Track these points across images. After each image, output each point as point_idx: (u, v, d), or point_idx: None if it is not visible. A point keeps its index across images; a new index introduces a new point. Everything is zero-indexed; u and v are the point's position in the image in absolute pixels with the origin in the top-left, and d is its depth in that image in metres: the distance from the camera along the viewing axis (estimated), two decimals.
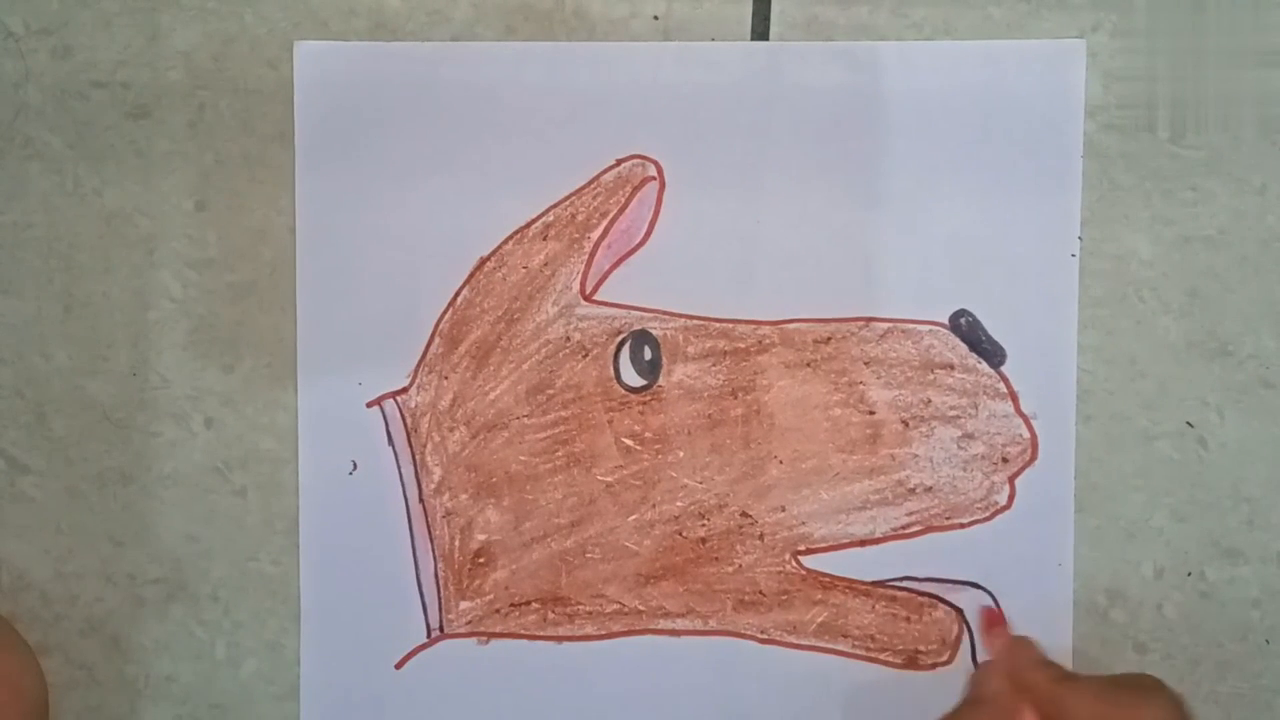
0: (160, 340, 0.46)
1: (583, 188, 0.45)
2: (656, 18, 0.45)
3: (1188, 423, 0.44)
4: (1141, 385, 0.44)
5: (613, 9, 0.45)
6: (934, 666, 0.44)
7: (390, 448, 0.45)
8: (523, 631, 0.45)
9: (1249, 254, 0.44)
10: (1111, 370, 0.44)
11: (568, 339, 0.45)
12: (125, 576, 0.46)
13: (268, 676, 0.46)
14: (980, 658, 0.44)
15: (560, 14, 0.45)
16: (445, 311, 0.45)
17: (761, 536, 0.45)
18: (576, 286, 0.45)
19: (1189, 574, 0.44)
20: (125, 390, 0.46)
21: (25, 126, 0.46)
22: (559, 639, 0.45)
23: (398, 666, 0.46)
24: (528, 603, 0.45)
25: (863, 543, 0.45)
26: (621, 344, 0.45)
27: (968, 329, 0.44)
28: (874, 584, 0.45)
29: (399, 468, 0.45)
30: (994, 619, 0.44)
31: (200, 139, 0.46)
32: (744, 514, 0.45)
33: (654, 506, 0.45)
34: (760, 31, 0.45)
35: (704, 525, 0.45)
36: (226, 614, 0.46)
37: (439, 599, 0.45)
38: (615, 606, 0.45)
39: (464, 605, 0.45)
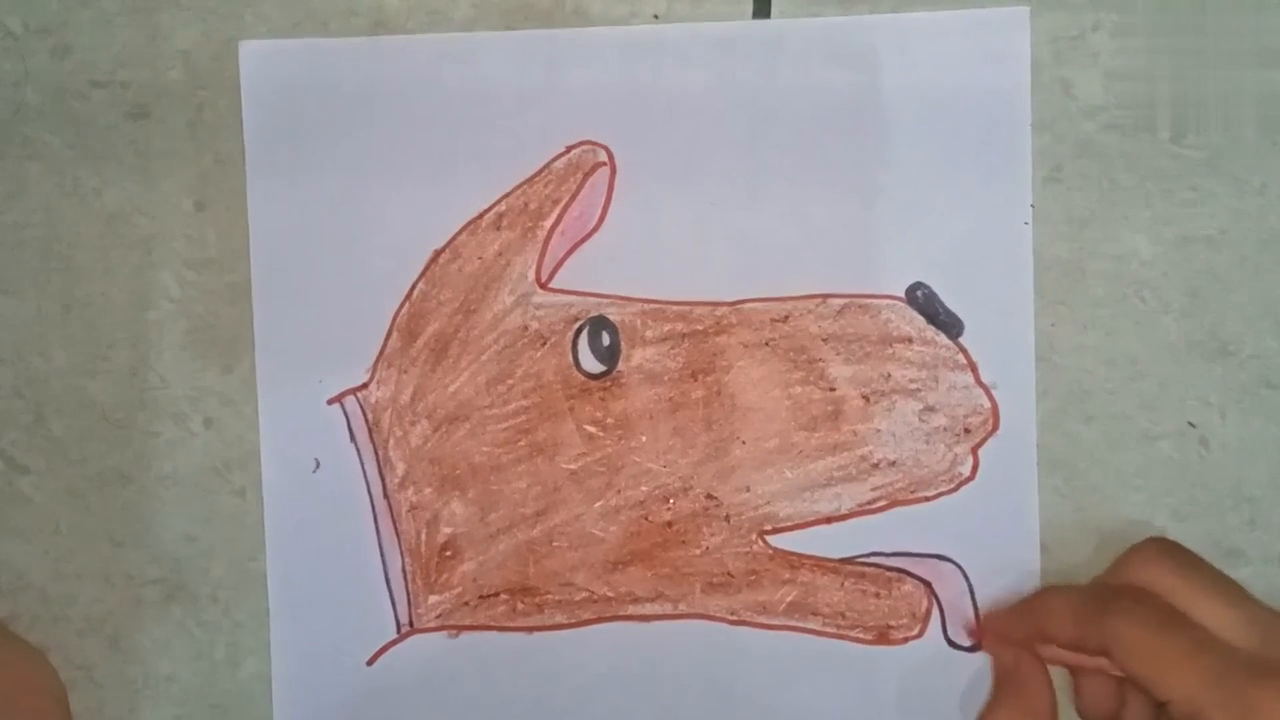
0: (160, 340, 0.46)
1: (534, 176, 0.45)
2: (656, 17, 0.45)
3: (1189, 423, 0.44)
4: (1141, 385, 0.44)
5: (612, 8, 0.45)
6: (905, 640, 0.45)
7: (352, 444, 0.46)
8: (492, 623, 0.45)
9: (1249, 254, 0.44)
10: (1111, 370, 0.44)
11: (525, 328, 0.45)
12: (125, 576, 0.46)
13: (267, 676, 0.46)
14: (951, 632, 0.44)
15: (560, 13, 0.45)
16: (402, 306, 0.45)
17: (727, 518, 0.45)
18: (532, 275, 0.45)
19: None
20: (125, 390, 0.46)
21: (25, 126, 0.46)
22: (529, 629, 0.45)
23: (369, 663, 0.46)
24: (496, 594, 0.45)
25: (829, 520, 0.45)
26: (579, 331, 0.45)
27: (924, 301, 0.44)
28: (842, 561, 0.45)
29: (362, 464, 0.45)
30: (976, 632, 0.44)
31: (200, 139, 0.46)
32: (709, 496, 0.45)
33: (619, 492, 0.45)
34: None
35: (669, 509, 0.45)
36: (226, 614, 0.46)
37: (407, 594, 0.45)
38: (584, 594, 0.45)
39: (433, 599, 0.45)
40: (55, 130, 0.46)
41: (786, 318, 0.45)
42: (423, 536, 0.46)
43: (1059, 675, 0.42)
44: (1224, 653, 0.35)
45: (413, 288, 0.45)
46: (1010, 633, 0.42)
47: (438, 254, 0.45)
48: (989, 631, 0.43)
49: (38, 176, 0.46)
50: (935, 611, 0.44)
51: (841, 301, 0.45)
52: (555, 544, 0.45)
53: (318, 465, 0.46)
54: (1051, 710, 0.40)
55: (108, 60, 0.46)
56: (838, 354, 0.45)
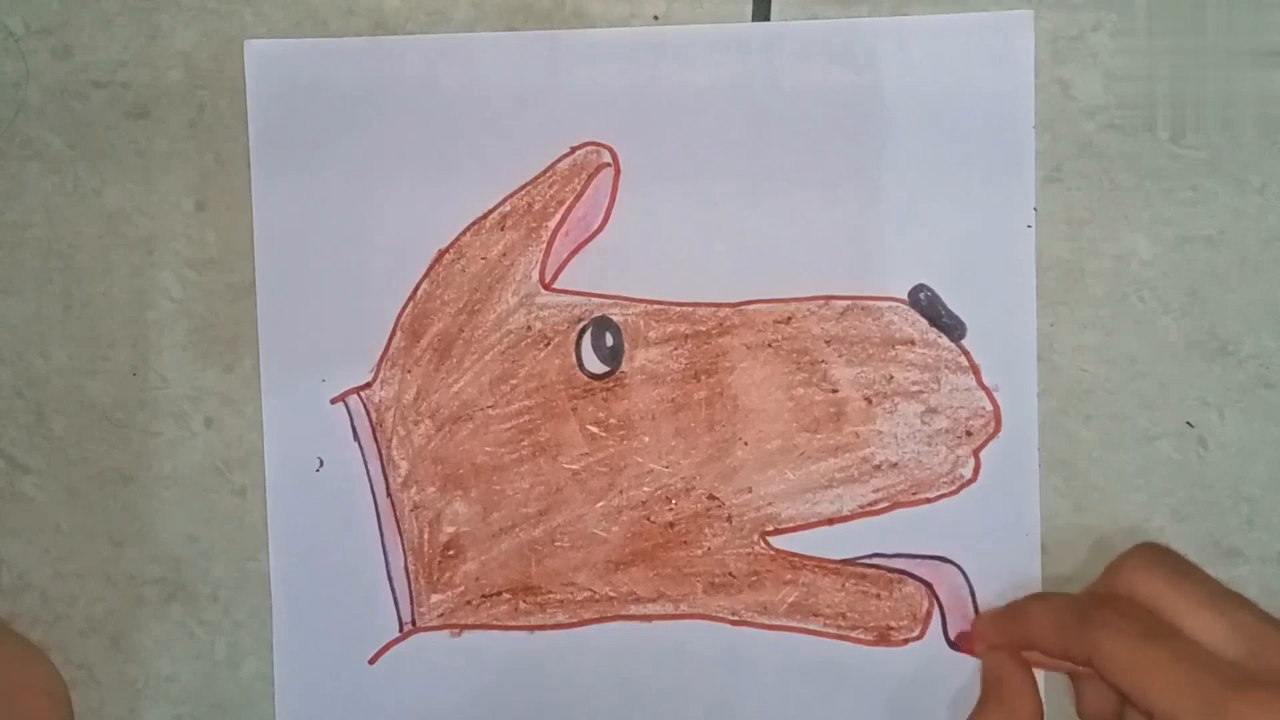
0: (160, 340, 0.46)
1: (538, 177, 0.45)
2: (656, 18, 0.45)
3: (1188, 423, 0.44)
4: (1141, 385, 0.44)
5: (612, 9, 0.45)
6: (905, 642, 0.45)
7: (356, 443, 0.46)
8: (495, 622, 0.45)
9: (1249, 254, 0.44)
10: (1111, 370, 0.44)
11: (529, 328, 0.45)
12: (125, 576, 0.46)
13: (268, 676, 0.46)
14: (952, 633, 0.45)
15: (560, 14, 0.45)
16: (406, 305, 0.45)
17: (729, 518, 0.45)
18: (536, 275, 0.45)
19: None
20: (125, 390, 0.46)
21: (25, 126, 0.46)
22: (531, 628, 0.45)
23: (371, 662, 0.46)
24: (499, 593, 0.45)
25: (830, 521, 0.45)
26: (583, 331, 0.45)
27: (927, 304, 0.44)
28: (843, 562, 0.45)
29: (365, 463, 0.46)
30: (965, 638, 0.44)
31: (200, 139, 0.46)
32: (711, 496, 0.45)
33: (621, 492, 0.45)
34: None
35: (671, 509, 0.45)
36: (226, 614, 0.46)
37: (410, 593, 0.46)
38: (586, 594, 0.45)
39: (435, 598, 0.45)
40: (55, 130, 0.46)
41: (789, 319, 0.45)
42: (425, 535, 0.46)
43: (1059, 678, 0.42)
44: (1205, 663, 0.34)
45: (417, 287, 0.45)
46: (998, 639, 0.42)
47: (442, 254, 0.45)
48: (978, 636, 0.43)
49: (38, 176, 0.46)
50: (936, 613, 0.45)
51: (844, 303, 0.45)
52: (557, 544, 0.45)
53: (321, 464, 0.46)
54: (1036, 716, 0.39)
55: (108, 60, 0.46)
56: (840, 356, 0.45)
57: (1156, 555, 0.38)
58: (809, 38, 0.44)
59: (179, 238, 0.46)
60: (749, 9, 0.44)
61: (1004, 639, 0.41)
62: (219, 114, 0.46)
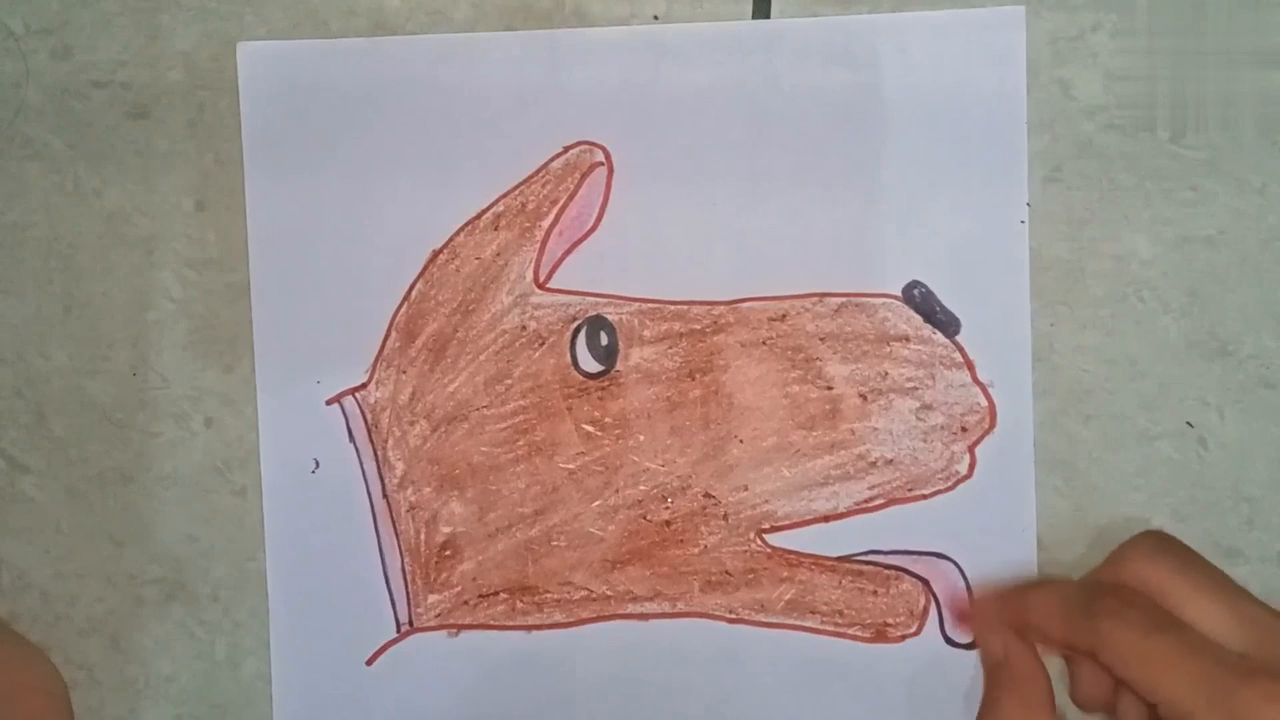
0: (160, 340, 0.46)
1: (531, 176, 0.45)
2: (656, 17, 0.45)
3: (1188, 423, 0.44)
4: (1141, 385, 0.44)
5: (612, 9, 0.45)
6: (903, 638, 0.45)
7: (351, 444, 0.46)
8: (492, 622, 0.45)
9: (1249, 254, 0.44)
10: (1111, 370, 0.44)
11: (524, 328, 0.45)
12: (125, 576, 0.46)
13: (267, 676, 0.46)
14: (950, 631, 0.45)
15: (560, 14, 0.45)
16: (400, 306, 0.45)
17: (725, 516, 0.45)
18: (530, 275, 0.45)
19: None
20: (125, 390, 0.46)
21: (25, 126, 0.46)
22: (528, 628, 0.45)
23: (368, 663, 0.46)
24: (496, 593, 0.45)
25: (826, 518, 0.45)
26: (577, 330, 0.45)
27: (921, 300, 0.44)
28: (839, 559, 0.45)
29: (361, 464, 0.46)
30: (962, 607, 0.44)
31: (200, 139, 0.46)
32: (707, 495, 0.45)
33: (617, 491, 0.45)
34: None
35: (668, 508, 0.45)
36: (226, 614, 0.46)
37: (407, 593, 0.46)
38: (583, 593, 0.45)
39: (432, 598, 0.46)
40: (55, 130, 0.46)
41: (784, 317, 0.45)
42: (422, 536, 0.46)
43: (1053, 661, 0.41)
44: (1213, 654, 0.34)
45: (411, 288, 0.45)
46: (998, 623, 0.41)
47: (436, 254, 0.45)
48: (977, 619, 0.43)
49: (38, 176, 0.46)
50: (933, 609, 0.45)
51: (839, 300, 0.45)
52: (554, 543, 0.45)
53: (317, 465, 0.46)
54: (1050, 697, 0.39)
55: (108, 60, 0.46)
56: (835, 353, 0.45)
57: (1162, 543, 0.38)
58: (808, 36, 0.44)
59: (179, 238, 0.46)
60: (749, 7, 0.45)
61: (1004, 623, 0.41)
62: (219, 114, 0.46)
